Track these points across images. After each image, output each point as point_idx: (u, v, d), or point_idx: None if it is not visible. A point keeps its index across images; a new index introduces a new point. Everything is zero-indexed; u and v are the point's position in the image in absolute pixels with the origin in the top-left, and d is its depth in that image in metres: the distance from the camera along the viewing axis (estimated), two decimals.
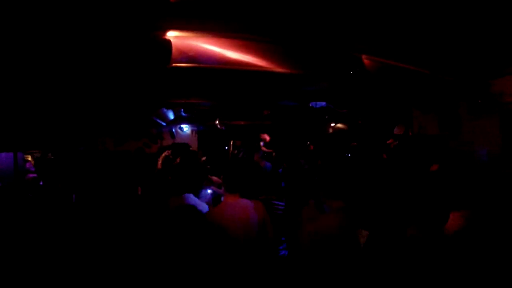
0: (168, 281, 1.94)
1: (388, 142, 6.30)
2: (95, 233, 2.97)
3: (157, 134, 9.73)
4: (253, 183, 3.17)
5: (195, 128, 10.20)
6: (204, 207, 2.88)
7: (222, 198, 4.10)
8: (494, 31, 3.05)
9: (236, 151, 8.29)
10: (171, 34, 2.83)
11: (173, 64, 2.90)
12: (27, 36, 2.54)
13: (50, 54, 2.89)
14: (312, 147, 8.53)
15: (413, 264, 1.72)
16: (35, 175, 6.44)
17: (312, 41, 3.32)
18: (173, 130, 9.85)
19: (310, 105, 6.40)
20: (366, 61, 3.73)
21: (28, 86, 3.80)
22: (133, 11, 2.40)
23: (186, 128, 9.98)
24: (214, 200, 3.88)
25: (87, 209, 3.67)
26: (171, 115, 7.68)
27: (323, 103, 6.40)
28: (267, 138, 8.08)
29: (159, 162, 5.41)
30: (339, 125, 10.17)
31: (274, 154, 6.77)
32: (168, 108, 7.00)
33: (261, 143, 7.99)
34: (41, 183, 5.60)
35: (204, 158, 6.80)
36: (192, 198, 2.90)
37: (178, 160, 4.99)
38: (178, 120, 8.70)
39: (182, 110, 7.00)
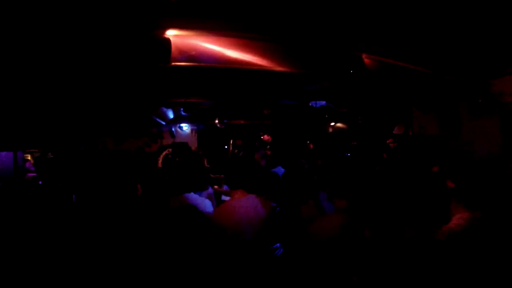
0: (168, 280, 1.93)
1: (388, 141, 6.30)
2: (95, 233, 2.97)
3: (157, 133, 9.73)
4: (259, 180, 3.20)
5: (195, 127, 10.20)
6: (207, 204, 2.88)
7: (223, 197, 4.11)
8: (494, 31, 3.05)
9: (236, 150, 8.29)
10: (170, 33, 2.82)
11: (173, 63, 2.90)
12: (27, 35, 2.53)
13: (49, 53, 2.89)
14: (312, 146, 8.54)
15: (415, 265, 1.71)
16: (34, 174, 6.43)
17: (312, 40, 3.32)
18: (173, 129, 9.85)
19: (310, 104, 6.40)
20: (366, 60, 3.72)
21: (27, 86, 3.79)
22: (133, 10, 2.39)
23: (186, 127, 9.98)
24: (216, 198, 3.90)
25: (87, 209, 3.66)
26: (170, 114, 7.68)
27: (323, 102, 6.39)
28: (269, 138, 8.07)
29: (159, 161, 5.41)
30: (339, 124, 10.18)
31: (269, 153, 6.77)
32: (167, 107, 6.99)
33: (268, 147, 7.96)
34: (40, 182, 5.60)
35: (201, 152, 6.81)
36: (194, 197, 2.89)
37: (178, 159, 4.99)
38: (178, 119, 8.70)
39: (182, 109, 6.99)
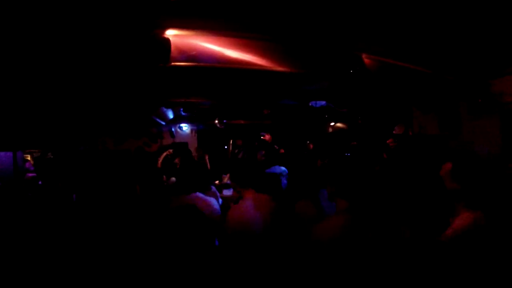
0: (168, 279, 1.93)
1: (388, 141, 6.30)
2: (96, 233, 2.96)
3: (157, 133, 9.72)
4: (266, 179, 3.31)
5: (195, 127, 10.20)
6: (213, 203, 2.88)
7: (224, 192, 4.11)
8: (494, 31, 3.04)
9: (236, 150, 8.29)
10: (170, 33, 2.82)
11: (172, 63, 2.89)
12: (26, 34, 2.53)
13: (48, 53, 2.88)
14: (311, 146, 8.54)
15: (417, 266, 1.71)
16: (34, 174, 6.43)
17: (312, 40, 3.31)
18: (173, 129, 9.84)
19: (310, 104, 6.40)
20: (366, 60, 3.72)
21: (27, 86, 3.79)
22: (132, 10, 2.39)
23: (185, 127, 9.97)
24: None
25: (87, 209, 3.66)
26: (170, 115, 7.68)
27: (323, 102, 6.39)
28: (269, 138, 8.06)
29: (159, 161, 5.41)
30: (339, 124, 10.18)
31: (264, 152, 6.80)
32: (167, 107, 6.99)
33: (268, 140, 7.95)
34: (40, 182, 5.59)
35: (201, 152, 6.81)
36: (200, 196, 2.88)
37: (177, 160, 4.98)
38: (178, 119, 8.70)
39: (182, 109, 6.99)
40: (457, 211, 1.84)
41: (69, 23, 2.46)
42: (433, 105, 5.51)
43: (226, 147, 9.20)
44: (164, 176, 4.55)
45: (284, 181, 5.12)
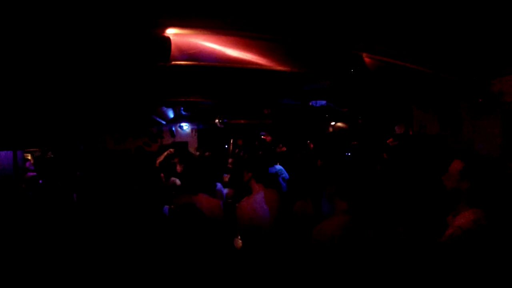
0: (168, 279, 1.93)
1: (388, 141, 6.29)
2: (96, 232, 2.96)
3: (157, 133, 9.72)
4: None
5: (195, 127, 10.20)
6: (216, 203, 2.90)
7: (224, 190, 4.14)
8: (495, 30, 3.04)
9: (237, 150, 8.29)
10: (170, 32, 2.81)
11: (173, 62, 2.89)
12: (26, 33, 2.52)
13: (48, 52, 2.88)
14: (312, 145, 8.53)
15: (419, 266, 1.70)
16: (34, 173, 6.42)
17: (312, 39, 3.31)
18: (173, 128, 9.84)
19: (311, 104, 6.40)
20: (367, 60, 3.71)
21: (27, 85, 3.78)
22: (132, 8, 2.38)
23: (186, 126, 9.97)
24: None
25: (88, 208, 3.66)
26: (171, 114, 7.68)
27: (324, 102, 6.39)
28: (269, 138, 8.07)
29: (158, 161, 5.41)
30: (339, 124, 10.18)
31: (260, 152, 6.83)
32: (168, 106, 6.99)
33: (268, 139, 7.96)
34: (40, 182, 5.59)
35: (200, 152, 6.81)
36: (203, 196, 2.90)
37: (176, 159, 4.97)
38: (178, 118, 8.70)
39: (182, 108, 6.99)
40: (457, 210, 1.84)
41: (70, 21, 2.46)
42: (434, 105, 5.50)
43: (226, 146, 9.20)
44: (163, 176, 4.54)
45: (280, 180, 5.14)
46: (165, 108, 7.10)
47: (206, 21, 2.76)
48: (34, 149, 7.60)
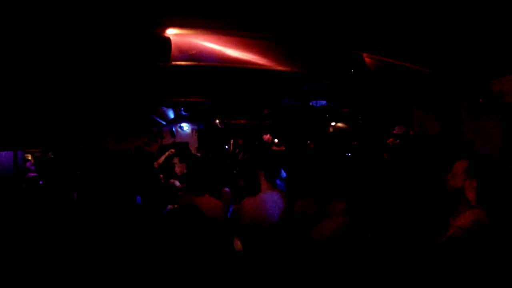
0: (168, 279, 1.93)
1: (388, 141, 6.29)
2: (97, 232, 2.96)
3: (158, 133, 9.72)
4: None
5: (195, 127, 10.19)
6: (219, 205, 2.90)
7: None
8: (495, 30, 3.04)
9: (237, 150, 8.28)
10: (170, 32, 2.81)
11: (173, 62, 2.89)
12: (26, 33, 2.53)
13: (49, 52, 2.88)
14: (312, 146, 8.53)
15: (417, 266, 1.70)
16: (34, 174, 6.43)
17: (313, 39, 3.31)
18: (173, 129, 9.84)
19: (311, 104, 6.40)
20: (367, 60, 3.71)
21: (27, 85, 3.79)
22: (133, 9, 2.39)
23: (186, 127, 9.97)
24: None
25: (88, 208, 3.66)
26: (171, 114, 7.67)
27: (324, 102, 6.39)
28: (270, 138, 8.05)
29: (159, 161, 5.40)
30: (339, 124, 10.17)
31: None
32: (168, 106, 6.99)
33: (270, 140, 7.94)
34: (40, 182, 5.60)
35: (201, 152, 6.80)
36: (205, 197, 2.90)
37: (176, 160, 4.96)
38: (178, 119, 8.69)
39: (182, 108, 6.98)
40: (458, 210, 1.84)
41: (70, 22, 2.46)
42: (434, 105, 5.50)
43: (226, 146, 9.19)
44: (162, 176, 4.53)
45: (277, 180, 5.12)
46: (165, 108, 7.10)
47: (206, 21, 2.76)
48: (35, 150, 7.61)
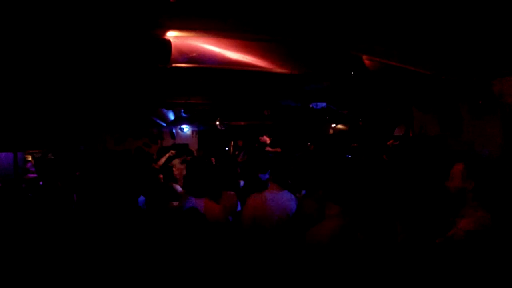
0: (168, 279, 1.93)
1: (388, 143, 6.28)
2: (97, 233, 2.96)
3: (158, 134, 9.72)
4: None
5: (196, 129, 10.19)
6: (219, 208, 2.89)
7: None
8: (495, 30, 3.04)
9: (237, 152, 8.28)
10: (171, 34, 2.82)
11: (173, 64, 2.90)
12: (26, 34, 2.53)
13: (49, 53, 2.89)
14: (312, 147, 8.53)
15: (417, 267, 1.70)
16: (34, 175, 6.43)
17: (313, 41, 3.31)
18: (173, 130, 9.84)
19: (311, 105, 6.40)
20: (367, 62, 3.72)
21: (27, 86, 3.79)
22: (133, 11, 2.39)
23: (186, 128, 9.97)
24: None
25: (88, 209, 3.66)
26: (171, 116, 7.68)
27: (324, 104, 6.40)
28: (267, 140, 8.05)
29: (159, 162, 5.40)
30: (339, 126, 10.17)
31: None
32: (168, 108, 6.99)
33: (268, 141, 7.93)
34: (40, 183, 5.60)
35: (201, 153, 6.78)
36: (206, 200, 2.89)
37: (176, 160, 4.95)
38: (179, 120, 8.69)
39: (182, 110, 6.99)
40: (461, 212, 1.84)
41: (71, 23, 2.47)
42: (434, 106, 5.50)
43: (227, 148, 9.19)
44: (161, 177, 4.53)
45: None
46: (165, 110, 7.11)
47: (206, 22, 2.77)
48: (35, 151, 7.62)
